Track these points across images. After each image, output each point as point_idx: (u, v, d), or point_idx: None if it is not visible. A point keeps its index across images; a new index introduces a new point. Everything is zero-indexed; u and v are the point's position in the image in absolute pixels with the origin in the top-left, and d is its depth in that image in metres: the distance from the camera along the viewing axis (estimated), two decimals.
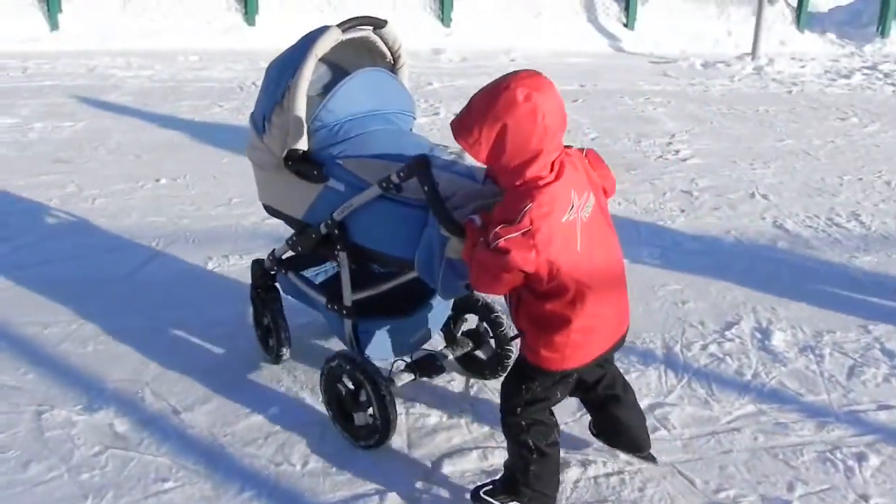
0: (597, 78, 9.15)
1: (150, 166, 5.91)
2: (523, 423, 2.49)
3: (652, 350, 3.66)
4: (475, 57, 9.93)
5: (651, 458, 2.83)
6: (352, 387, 2.89)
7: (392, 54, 3.06)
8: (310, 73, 2.77)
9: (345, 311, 2.91)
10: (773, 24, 11.42)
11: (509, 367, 2.81)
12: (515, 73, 2.28)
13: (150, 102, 7.50)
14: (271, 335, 3.38)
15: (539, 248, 2.19)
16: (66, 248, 4.56)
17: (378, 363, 2.95)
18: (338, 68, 3.04)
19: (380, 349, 2.97)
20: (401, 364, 3.05)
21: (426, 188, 2.46)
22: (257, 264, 3.37)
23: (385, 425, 2.81)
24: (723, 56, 10.70)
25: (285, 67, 2.81)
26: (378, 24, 2.98)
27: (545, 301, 2.32)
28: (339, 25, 2.84)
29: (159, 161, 6.02)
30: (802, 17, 11.93)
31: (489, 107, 2.23)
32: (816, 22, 11.99)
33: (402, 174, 2.53)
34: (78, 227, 4.87)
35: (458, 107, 2.40)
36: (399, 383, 2.97)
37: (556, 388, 2.50)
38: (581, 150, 2.47)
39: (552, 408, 2.57)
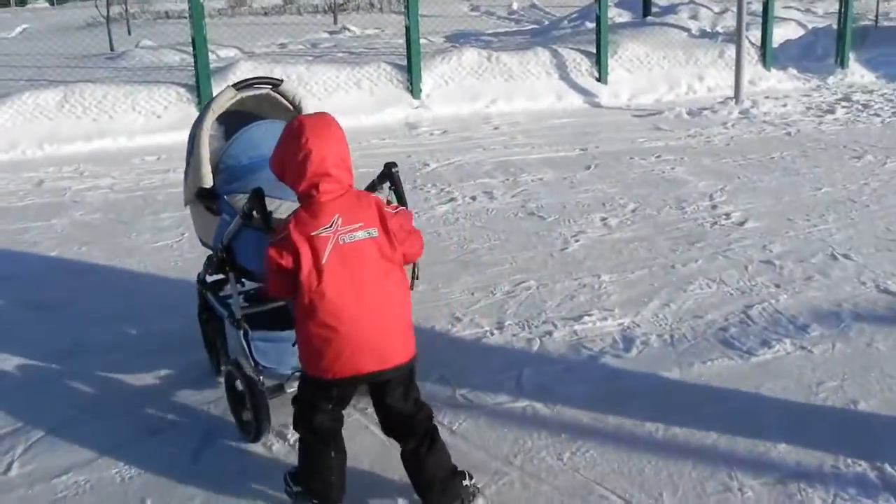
0: (592, 139, 8.53)
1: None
2: (296, 415, 2.88)
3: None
4: (455, 128, 9.23)
5: None
6: (240, 388, 3.33)
7: (294, 107, 3.65)
8: (209, 125, 3.48)
9: (234, 323, 3.29)
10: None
11: None
12: (302, 116, 2.86)
13: (125, 218, 6.52)
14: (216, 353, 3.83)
15: (288, 247, 2.67)
16: None
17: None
18: (250, 120, 3.62)
19: (271, 359, 3.25)
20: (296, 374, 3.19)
21: (256, 212, 2.99)
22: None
23: (258, 424, 3.28)
24: (703, 102, 10.31)
25: (194, 124, 3.52)
26: (274, 83, 3.63)
27: (309, 314, 2.71)
28: (233, 85, 3.53)
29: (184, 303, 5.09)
30: (768, 55, 11.67)
31: (280, 138, 2.81)
32: (776, 58, 11.78)
33: (248, 205, 3.01)
34: None
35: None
36: (289, 390, 3.25)
37: (319, 397, 2.82)
38: (392, 204, 3.00)
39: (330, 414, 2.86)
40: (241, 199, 3.21)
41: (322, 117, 2.81)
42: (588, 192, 6.70)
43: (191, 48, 9.61)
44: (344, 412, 2.93)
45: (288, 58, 13.78)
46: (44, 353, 4.31)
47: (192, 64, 9.68)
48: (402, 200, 3.19)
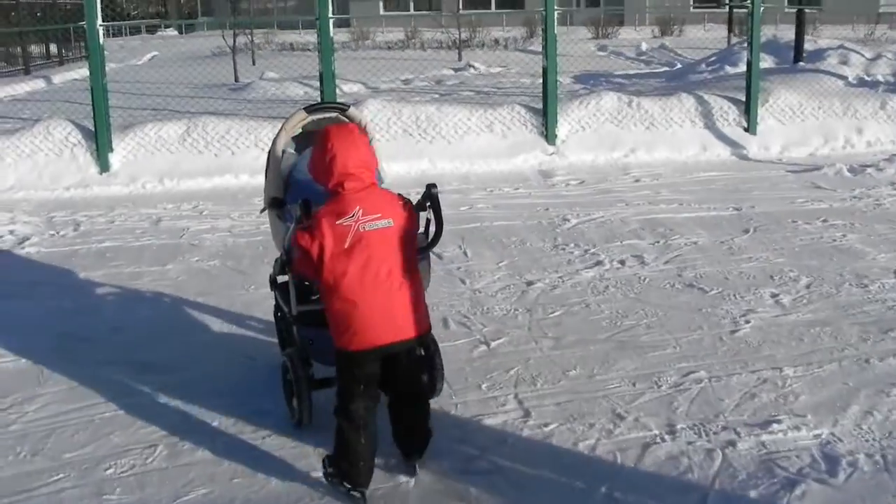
0: (745, 197, 7.74)
1: None
2: (337, 401, 3.30)
3: None
4: (593, 178, 8.56)
5: (411, 471, 3.43)
6: (289, 377, 3.75)
7: (360, 128, 3.72)
8: (281, 143, 3.90)
9: (291, 319, 3.72)
10: None
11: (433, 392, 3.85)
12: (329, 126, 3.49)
13: (243, 267, 6.08)
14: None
15: (312, 233, 3.18)
16: None
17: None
18: None
19: (320, 352, 3.62)
20: None
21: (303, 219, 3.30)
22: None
23: (300, 411, 3.70)
24: (864, 158, 9.39)
25: (273, 142, 3.95)
26: (342, 108, 4.01)
27: (333, 293, 3.20)
28: (305, 108, 3.97)
29: None
30: None
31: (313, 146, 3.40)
32: None
33: (298, 213, 3.33)
34: None
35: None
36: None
37: (349, 369, 3.25)
38: (402, 198, 3.36)
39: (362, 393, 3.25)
40: (295, 207, 3.49)
41: (345, 127, 3.44)
42: (751, 260, 5.94)
43: (315, 81, 9.24)
44: (375, 399, 3.31)
45: (415, 95, 13.41)
46: (147, 429, 3.83)
47: (318, 98, 9.31)
48: (439, 221, 3.48)
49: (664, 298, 5.25)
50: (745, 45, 16.76)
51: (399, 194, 3.37)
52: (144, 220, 7.57)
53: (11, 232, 7.33)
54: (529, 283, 5.57)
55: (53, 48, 25.46)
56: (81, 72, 19.68)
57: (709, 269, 5.75)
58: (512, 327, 4.86)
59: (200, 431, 3.84)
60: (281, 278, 3.86)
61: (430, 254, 3.67)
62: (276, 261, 3.85)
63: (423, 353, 3.65)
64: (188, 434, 3.82)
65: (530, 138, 9.36)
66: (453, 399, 4.05)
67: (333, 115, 4.00)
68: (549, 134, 9.31)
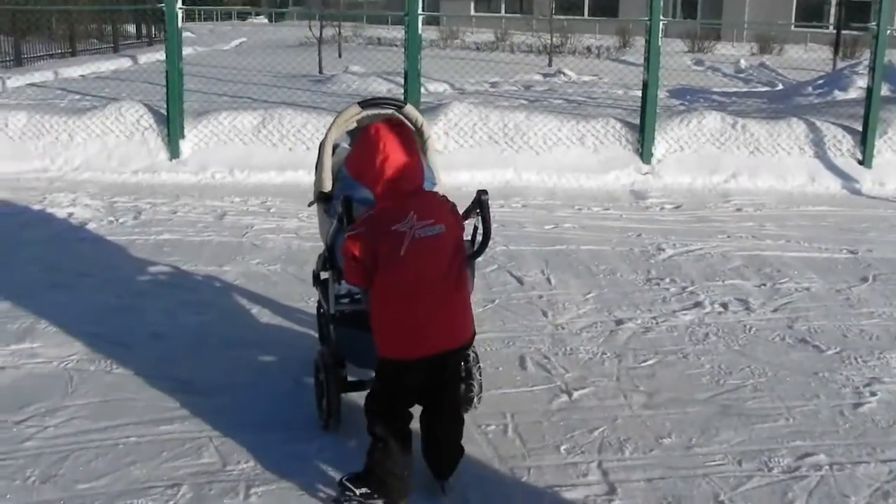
0: (861, 238, 6.97)
1: None
2: (372, 412, 3.11)
3: None
4: (690, 204, 7.87)
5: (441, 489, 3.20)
6: (321, 377, 3.60)
7: (417, 129, 3.78)
8: (332, 137, 3.75)
9: (328, 318, 3.66)
10: None
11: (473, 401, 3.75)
12: (378, 124, 3.17)
13: (305, 275, 5.55)
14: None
15: (365, 240, 3.00)
16: None
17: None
18: None
19: (358, 357, 3.51)
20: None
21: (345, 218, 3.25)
22: None
23: (327, 413, 3.56)
24: None
25: (325, 135, 3.80)
26: (398, 104, 3.82)
27: (380, 299, 3.05)
28: (359, 103, 3.79)
29: None
30: None
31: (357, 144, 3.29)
32: None
33: (340, 209, 3.30)
34: None
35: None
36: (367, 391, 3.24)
37: (397, 379, 3.07)
38: (452, 204, 3.22)
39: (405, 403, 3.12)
40: (340, 203, 3.38)
41: (396, 126, 3.17)
42: (873, 316, 5.22)
43: (399, 78, 8.73)
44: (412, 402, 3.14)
45: (502, 100, 12.84)
46: (173, 463, 3.33)
47: (402, 95, 8.81)
48: (487, 228, 3.33)
49: (773, 355, 4.58)
50: (856, 68, 15.88)
51: (445, 197, 3.26)
52: (209, 212, 7.15)
53: (70, 215, 6.99)
54: (619, 322, 4.95)
55: (145, 28, 25.58)
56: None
57: (824, 323, 5.05)
58: (598, 375, 4.25)
59: (232, 474, 3.33)
60: (324, 274, 3.74)
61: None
62: (319, 256, 3.75)
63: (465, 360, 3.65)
64: (217, 475, 3.32)
65: (624, 155, 8.70)
66: (527, 461, 3.47)
67: (389, 111, 3.83)
68: (644, 151, 8.64)
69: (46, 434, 3.61)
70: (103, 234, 6.50)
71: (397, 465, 3.07)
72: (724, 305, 5.26)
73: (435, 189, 3.86)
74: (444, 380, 3.15)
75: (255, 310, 5.03)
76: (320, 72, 16.64)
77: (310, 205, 3.95)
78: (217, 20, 40.62)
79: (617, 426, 3.76)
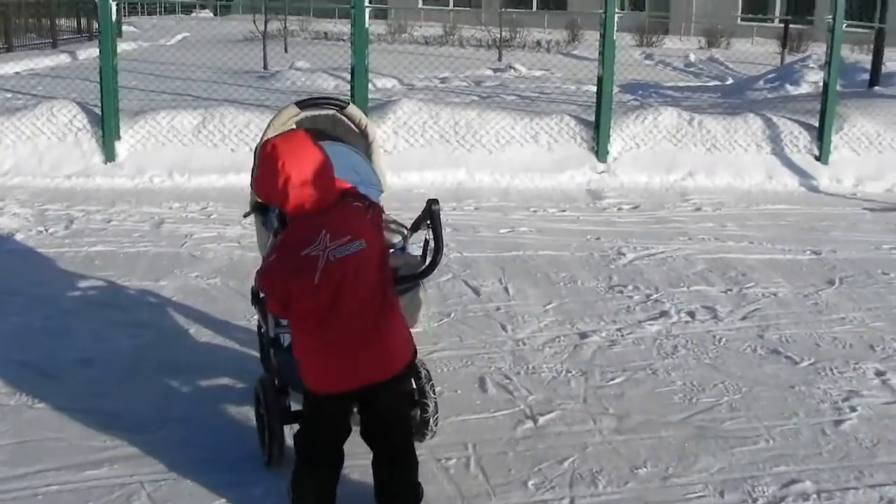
0: (823, 238, 6.80)
1: None
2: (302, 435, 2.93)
3: None
4: (648, 204, 7.64)
5: None
6: (261, 408, 3.28)
7: (360, 130, 3.61)
8: None
9: (267, 340, 3.27)
10: None
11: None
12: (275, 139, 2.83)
13: (248, 290, 5.20)
14: None
15: (276, 272, 2.73)
16: None
17: None
18: (320, 139, 3.19)
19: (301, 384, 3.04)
20: None
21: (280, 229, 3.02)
22: None
23: (270, 447, 3.20)
24: None
25: (261, 139, 3.38)
26: (340, 104, 3.60)
27: (299, 328, 2.82)
28: (297, 103, 3.53)
29: None
30: None
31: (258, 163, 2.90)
32: None
33: (276, 222, 3.06)
34: None
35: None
36: None
37: (321, 412, 2.86)
38: (366, 206, 2.87)
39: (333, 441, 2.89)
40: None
41: (294, 137, 2.86)
42: (844, 322, 5.01)
43: (348, 74, 8.38)
44: (346, 433, 2.93)
45: (452, 96, 12.53)
46: None
47: (349, 92, 8.46)
48: (438, 240, 3.06)
49: (746, 368, 4.35)
50: (806, 62, 15.87)
51: (363, 199, 2.91)
52: (145, 220, 6.74)
53: None
54: (583, 336, 4.68)
55: (85, 22, 24.80)
56: None
57: (795, 332, 4.83)
58: (564, 396, 3.97)
59: None
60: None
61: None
62: (257, 272, 3.27)
63: (412, 385, 3.30)
64: None
65: (579, 153, 8.44)
66: (492, 500, 3.17)
67: (330, 112, 3.60)
68: (600, 149, 8.39)
69: None
70: (32, 245, 6.07)
71: (309, 489, 2.90)
72: (691, 314, 5.02)
73: (380, 196, 3.57)
74: (378, 413, 2.87)
75: (194, 329, 4.67)
76: (265, 68, 16.18)
77: (245, 216, 3.67)
78: (161, 14, 39.76)
79: (588, 455, 3.48)
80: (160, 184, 7.90)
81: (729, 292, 5.42)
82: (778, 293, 5.44)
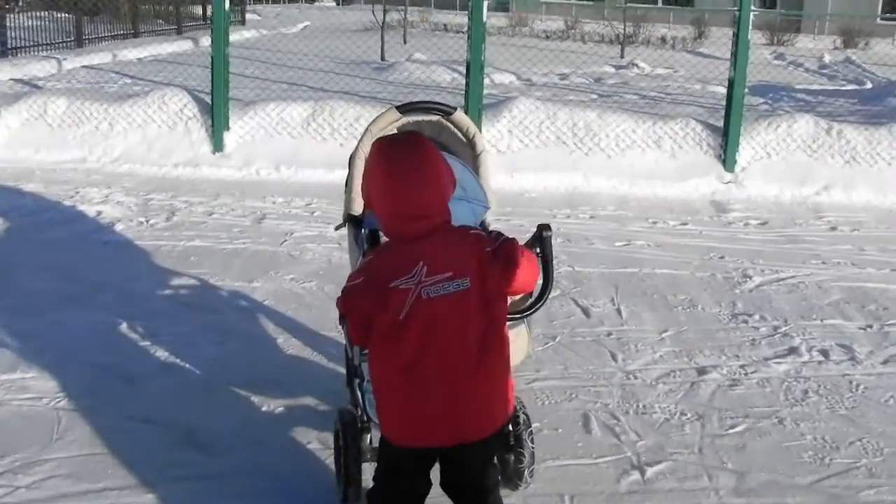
0: None
1: None
2: (377, 492, 2.56)
3: None
4: (777, 220, 7.07)
5: None
6: (340, 441, 2.97)
7: (468, 140, 3.27)
8: (365, 148, 2.93)
9: (351, 369, 3.01)
10: None
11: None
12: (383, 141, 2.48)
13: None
14: None
15: (358, 296, 2.36)
16: None
17: None
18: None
19: None
20: None
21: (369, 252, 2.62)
22: None
23: (345, 483, 2.88)
24: None
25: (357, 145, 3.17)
26: (445, 110, 3.23)
27: (377, 365, 2.42)
28: (398, 107, 3.17)
29: None
30: None
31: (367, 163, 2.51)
32: None
33: (366, 243, 2.65)
34: None
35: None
36: None
37: (397, 465, 2.50)
38: (493, 236, 2.44)
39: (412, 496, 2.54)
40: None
41: (411, 143, 2.45)
42: None
43: (464, 69, 8.05)
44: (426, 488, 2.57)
45: (571, 94, 12.08)
46: None
47: (463, 87, 8.14)
48: (548, 272, 2.71)
49: (889, 423, 3.82)
50: None
51: (480, 231, 2.49)
52: (247, 214, 6.58)
53: (99, 213, 6.48)
54: (701, 372, 4.22)
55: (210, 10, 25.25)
56: (232, 36, 19.21)
57: None
58: (677, 445, 3.54)
59: None
60: None
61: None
62: (342, 290, 2.95)
63: (505, 443, 2.94)
64: None
65: (704, 161, 7.90)
66: None
67: (435, 118, 3.28)
68: (727, 158, 7.83)
69: (14, 498, 3.04)
70: (130, 237, 5.97)
71: None
72: (825, 353, 4.50)
73: (485, 214, 3.22)
74: (465, 473, 2.56)
75: (282, 339, 4.42)
76: (382, 59, 16.03)
77: (337, 228, 3.41)
78: (285, 2, 40.41)
79: None
80: (266, 176, 7.75)
81: (868, 329, 4.86)
82: None
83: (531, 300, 2.75)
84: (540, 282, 2.70)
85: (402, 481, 2.55)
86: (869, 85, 16.36)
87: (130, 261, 5.51)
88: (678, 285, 5.40)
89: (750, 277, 5.59)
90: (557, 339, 4.52)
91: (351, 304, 2.43)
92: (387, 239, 2.68)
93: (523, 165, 7.78)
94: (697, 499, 3.18)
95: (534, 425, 3.16)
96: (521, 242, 2.55)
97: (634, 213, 7.08)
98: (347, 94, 9.86)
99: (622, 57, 19.03)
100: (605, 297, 5.16)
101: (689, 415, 3.80)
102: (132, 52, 16.47)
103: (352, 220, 3.20)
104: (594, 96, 12.14)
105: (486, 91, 8.34)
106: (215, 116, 7.98)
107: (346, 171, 3.35)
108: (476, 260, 2.38)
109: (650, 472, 3.33)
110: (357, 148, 3.19)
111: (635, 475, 3.31)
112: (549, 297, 2.78)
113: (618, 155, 7.90)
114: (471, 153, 3.37)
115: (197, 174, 7.76)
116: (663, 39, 23.82)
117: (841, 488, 3.30)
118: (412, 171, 2.36)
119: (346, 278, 2.53)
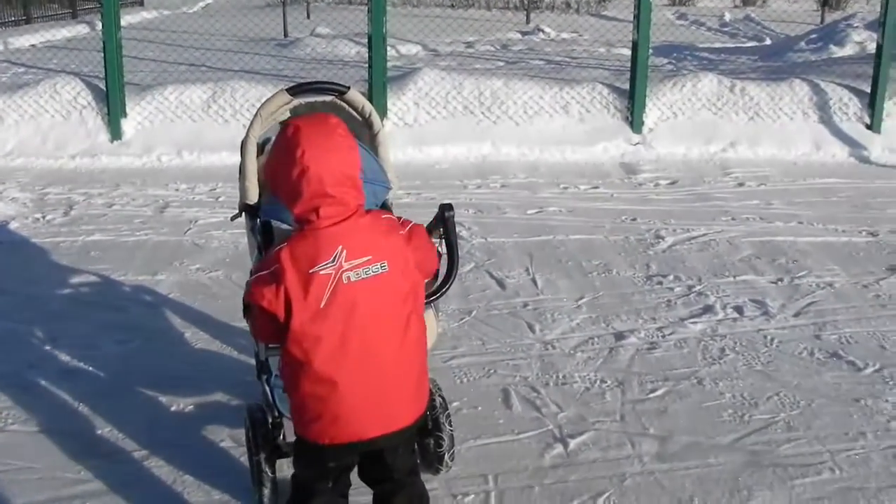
0: (879, 216, 6.25)
1: None
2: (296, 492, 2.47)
3: None
4: (686, 178, 7.12)
5: None
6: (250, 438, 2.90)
7: (364, 119, 3.12)
8: (256, 133, 2.97)
9: (259, 365, 2.95)
10: None
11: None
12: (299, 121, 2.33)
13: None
14: None
15: (275, 288, 2.22)
16: None
17: None
18: None
19: None
20: None
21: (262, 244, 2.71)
22: None
23: (259, 484, 2.77)
24: None
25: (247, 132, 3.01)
26: (339, 90, 3.05)
27: (294, 360, 2.28)
28: (288, 89, 2.99)
29: None
30: None
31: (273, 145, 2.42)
32: None
33: (259, 236, 2.75)
34: None
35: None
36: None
37: (315, 465, 2.40)
38: (401, 222, 2.41)
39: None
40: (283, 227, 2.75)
41: (323, 122, 2.34)
42: None
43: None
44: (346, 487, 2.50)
45: (478, 62, 12.00)
46: None
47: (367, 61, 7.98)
48: (452, 251, 2.74)
49: (804, 376, 3.86)
50: (850, 21, 15.09)
51: (392, 216, 2.47)
52: (149, 203, 6.35)
53: None
54: (619, 337, 4.21)
55: None
56: (128, 18, 18.55)
57: (856, 331, 4.33)
58: (599, 413, 3.52)
59: None
60: None
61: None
62: (247, 282, 2.80)
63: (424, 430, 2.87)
64: None
65: (612, 124, 7.92)
66: None
67: (328, 99, 3.11)
68: (635, 120, 7.86)
69: None
70: (26, 235, 5.70)
71: None
72: (739, 310, 4.53)
73: (388, 195, 3.12)
74: (389, 465, 2.46)
75: (189, 333, 4.26)
76: (285, 35, 15.70)
77: (233, 219, 3.25)
78: None
79: (626, 489, 3.03)
80: (168, 163, 7.50)
81: (779, 283, 4.92)
82: (834, 283, 4.94)
83: (437, 283, 2.66)
84: (445, 263, 2.62)
85: (322, 483, 2.43)
86: (768, 41, 16.65)
87: (27, 261, 5.26)
88: (592, 250, 5.39)
89: (662, 238, 5.61)
90: (473, 314, 4.45)
91: (258, 295, 2.28)
92: (286, 228, 2.58)
93: (431, 137, 7.68)
94: (622, 468, 3.16)
95: (453, 404, 3.11)
96: (425, 223, 2.46)
97: (545, 179, 7.05)
98: (249, 74, 9.60)
99: (528, 23, 18.99)
100: (519, 266, 5.11)
101: (608, 382, 3.78)
102: (25, 39, 15.78)
103: (248, 210, 3.04)
104: (501, 64, 12.08)
105: (390, 63, 8.19)
106: (111, 103, 7.67)
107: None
108: (392, 244, 2.33)
109: (573, 443, 3.30)
110: (248, 134, 3.01)
111: (559, 448, 3.27)
112: (458, 273, 2.70)
113: (526, 122, 7.86)
114: (368, 132, 3.25)
115: (95, 164, 7.46)
116: (568, 4, 23.84)
117: (761, 444, 3.31)
118: (332, 152, 2.26)
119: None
